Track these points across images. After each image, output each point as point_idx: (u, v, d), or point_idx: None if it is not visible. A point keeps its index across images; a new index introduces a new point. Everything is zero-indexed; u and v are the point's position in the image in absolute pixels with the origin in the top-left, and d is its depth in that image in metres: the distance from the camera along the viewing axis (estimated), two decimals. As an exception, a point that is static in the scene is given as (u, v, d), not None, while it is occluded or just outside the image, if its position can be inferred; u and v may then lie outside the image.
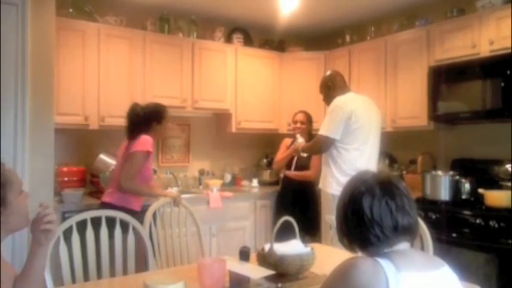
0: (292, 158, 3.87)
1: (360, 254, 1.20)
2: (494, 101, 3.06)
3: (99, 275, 2.14)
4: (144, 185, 2.89)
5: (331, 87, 3.30)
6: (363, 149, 3.13)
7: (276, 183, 4.39)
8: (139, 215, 2.61)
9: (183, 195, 3.06)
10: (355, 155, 3.09)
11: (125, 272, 2.19)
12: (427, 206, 3.16)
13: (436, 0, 3.75)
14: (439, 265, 1.17)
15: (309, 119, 3.95)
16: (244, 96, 4.32)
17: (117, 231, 2.22)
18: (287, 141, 4.03)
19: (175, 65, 3.91)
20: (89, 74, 3.47)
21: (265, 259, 1.83)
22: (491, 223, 2.81)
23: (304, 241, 1.98)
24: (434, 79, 3.43)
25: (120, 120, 3.59)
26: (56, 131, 3.03)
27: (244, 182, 4.50)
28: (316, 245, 2.29)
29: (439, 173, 3.34)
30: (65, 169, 3.44)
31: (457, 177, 3.25)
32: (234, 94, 4.26)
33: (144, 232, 2.29)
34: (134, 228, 2.26)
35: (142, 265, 2.29)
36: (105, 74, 3.54)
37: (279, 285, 1.70)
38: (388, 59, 3.87)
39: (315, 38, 4.90)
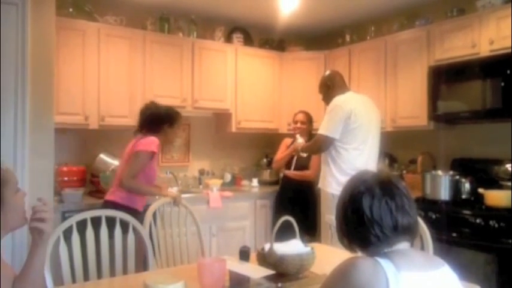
0: (292, 158, 3.87)
1: (359, 253, 1.20)
2: (494, 100, 3.06)
3: (99, 275, 2.14)
4: (146, 184, 2.89)
5: (330, 87, 3.30)
6: (362, 149, 3.12)
7: (276, 182, 4.39)
8: (141, 215, 2.62)
9: (183, 195, 3.06)
10: (354, 154, 3.09)
11: (124, 271, 2.19)
12: (427, 205, 3.16)
13: (436, 0, 3.75)
14: (439, 265, 1.17)
15: (309, 119, 3.95)
16: (244, 96, 4.32)
17: (117, 231, 2.22)
18: (287, 140, 4.03)
19: (175, 65, 3.91)
20: (89, 73, 3.47)
21: (265, 259, 1.83)
22: (491, 223, 2.81)
23: (303, 241, 1.98)
24: (434, 79, 3.43)
25: (120, 120, 3.62)
26: (56, 131, 3.03)
27: (244, 182, 4.50)
28: (316, 245, 2.29)
29: (439, 172, 3.34)
30: (65, 169, 3.44)
31: (457, 177, 3.25)
32: (234, 94, 4.27)
33: (144, 232, 2.29)
34: (134, 228, 2.26)
35: (142, 265, 2.29)
36: (105, 73, 3.54)
37: (279, 284, 1.70)
38: (388, 59, 3.87)
39: (315, 37, 4.90)
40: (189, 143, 4.38)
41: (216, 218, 3.77)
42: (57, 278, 2.00)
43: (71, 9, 3.51)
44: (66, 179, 3.42)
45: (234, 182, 4.46)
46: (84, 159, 3.65)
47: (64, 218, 2.91)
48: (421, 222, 2.05)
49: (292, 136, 3.96)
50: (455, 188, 3.23)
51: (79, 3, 3.61)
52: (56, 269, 2.01)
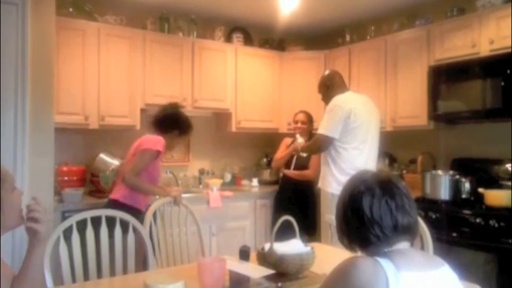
0: (292, 157, 3.88)
1: (359, 253, 1.20)
2: (494, 100, 3.06)
3: (99, 275, 2.14)
4: (148, 182, 2.90)
5: (329, 87, 3.30)
6: (362, 148, 3.13)
7: (276, 182, 4.39)
8: (143, 215, 2.62)
9: (183, 195, 3.06)
10: (354, 154, 3.09)
11: (125, 271, 2.19)
12: (427, 205, 3.16)
13: (436, 0, 3.75)
14: (439, 264, 1.17)
15: (309, 119, 3.96)
16: (244, 95, 4.32)
17: (117, 230, 2.22)
18: (287, 140, 4.03)
19: (175, 65, 3.91)
20: (89, 73, 3.47)
21: (265, 258, 1.83)
22: (491, 222, 2.81)
23: (302, 240, 1.98)
24: (434, 78, 3.43)
25: (120, 120, 3.62)
26: (56, 131, 3.03)
27: (244, 182, 4.50)
28: (316, 245, 2.29)
29: (439, 172, 3.34)
30: (65, 168, 3.44)
31: (457, 176, 3.25)
32: (234, 93, 4.27)
33: (144, 231, 2.29)
34: (134, 228, 2.26)
35: (142, 264, 2.29)
36: (105, 73, 3.54)
37: (279, 284, 1.70)
38: (388, 59, 3.87)
39: (315, 37, 4.90)
40: (189, 142, 4.37)
41: (216, 218, 3.77)
42: (57, 278, 2.00)
43: (70, 9, 3.51)
44: (66, 178, 3.42)
45: (234, 182, 4.46)
46: (84, 159, 3.65)
47: (64, 218, 2.92)
48: (421, 222, 2.05)
49: (293, 136, 3.96)
50: (455, 187, 3.23)
51: (79, 3, 3.60)
52: (56, 269, 2.00)
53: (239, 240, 3.73)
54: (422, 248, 2.13)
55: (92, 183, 3.62)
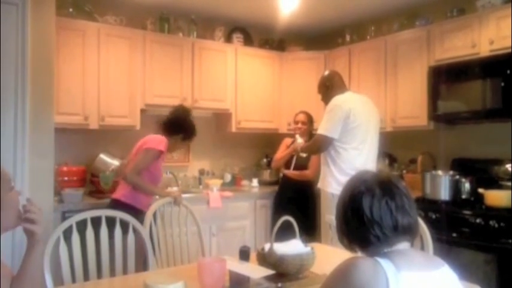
0: (292, 158, 3.88)
1: (359, 253, 1.20)
2: (494, 100, 3.06)
3: (99, 275, 2.14)
4: (150, 183, 2.92)
5: (329, 87, 3.31)
6: (362, 148, 3.13)
7: (276, 182, 4.39)
8: (144, 215, 2.62)
9: (183, 195, 3.07)
10: (353, 154, 3.09)
11: (125, 271, 2.19)
12: (427, 205, 3.16)
13: (436, 0, 3.75)
14: (439, 265, 1.17)
15: (310, 119, 3.96)
16: (244, 95, 4.32)
17: (117, 230, 2.22)
18: (287, 140, 4.03)
19: (175, 65, 3.91)
20: (89, 73, 3.47)
21: (265, 259, 1.83)
22: (491, 223, 2.81)
23: (302, 241, 1.98)
24: (434, 79, 3.43)
25: (120, 120, 3.62)
26: (56, 131, 3.03)
27: (244, 182, 4.50)
28: (316, 245, 2.29)
29: (439, 172, 3.34)
30: (64, 169, 3.44)
31: (457, 176, 3.25)
32: (234, 94, 4.27)
33: (144, 232, 2.29)
34: (134, 228, 2.26)
35: (142, 265, 2.29)
36: (105, 73, 3.54)
37: (279, 284, 1.70)
38: (388, 59, 3.87)
39: (315, 37, 4.90)
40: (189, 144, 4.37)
41: (216, 218, 3.77)
42: (57, 278, 2.00)
43: (71, 9, 3.52)
44: (66, 179, 3.42)
45: (234, 182, 4.46)
46: (84, 159, 3.64)
47: (64, 218, 2.92)
48: (421, 222, 2.04)
49: (293, 136, 3.96)
50: (455, 188, 3.23)
51: (79, 3, 3.61)
52: (56, 269, 2.00)
53: (239, 240, 3.73)
54: (422, 248, 2.13)
55: (92, 184, 3.62)
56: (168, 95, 3.83)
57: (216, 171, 4.48)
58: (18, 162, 2.80)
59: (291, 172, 3.91)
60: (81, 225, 2.14)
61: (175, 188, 3.87)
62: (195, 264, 1.82)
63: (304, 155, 3.76)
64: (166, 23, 4.02)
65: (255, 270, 1.77)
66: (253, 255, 1.92)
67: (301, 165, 3.88)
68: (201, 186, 4.26)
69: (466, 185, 3.21)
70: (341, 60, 4.29)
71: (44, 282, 1.44)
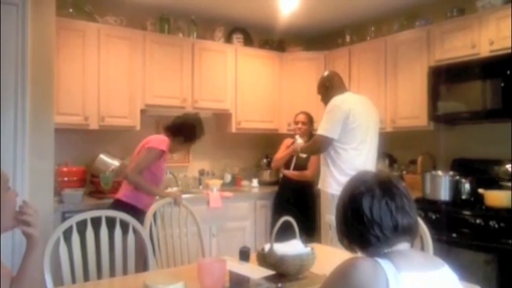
0: (292, 158, 3.88)
1: (359, 254, 1.20)
2: (494, 101, 3.06)
3: (99, 275, 2.14)
4: (151, 183, 2.94)
5: (329, 88, 3.31)
6: (361, 149, 3.13)
7: (276, 183, 4.39)
8: (145, 215, 2.63)
9: (183, 195, 3.07)
10: (353, 154, 3.09)
11: (124, 272, 2.19)
12: (427, 206, 3.16)
13: (436, 1, 3.75)
14: (439, 265, 1.17)
15: (310, 120, 3.96)
16: (244, 96, 4.32)
17: (117, 231, 2.22)
18: (288, 141, 4.03)
19: (175, 65, 3.91)
20: (89, 74, 3.47)
21: (265, 259, 1.83)
22: (491, 223, 2.81)
23: (302, 241, 1.98)
24: (434, 79, 3.43)
25: (120, 120, 3.62)
26: (56, 131, 3.03)
27: (244, 182, 4.50)
28: (316, 245, 2.29)
29: (439, 173, 3.34)
30: (64, 169, 3.44)
31: (457, 177, 3.25)
32: (234, 94, 4.27)
33: (144, 232, 2.29)
34: (134, 229, 2.26)
35: (142, 265, 2.30)
36: (105, 74, 3.54)
37: (279, 285, 1.70)
38: (388, 59, 3.87)
39: (315, 38, 4.90)
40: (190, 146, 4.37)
41: (216, 219, 3.77)
42: (57, 279, 2.00)
43: (71, 10, 3.52)
44: (66, 179, 3.41)
45: (234, 183, 4.46)
46: (84, 160, 3.64)
47: (64, 219, 2.92)
48: (421, 223, 2.04)
49: (293, 136, 3.96)
50: (455, 188, 3.23)
51: (79, 4, 3.61)
52: (56, 270, 2.00)
53: (239, 240, 3.73)
54: (422, 248, 2.12)
55: (92, 184, 3.62)
56: (168, 95, 3.83)
57: (216, 171, 4.48)
58: (18, 162, 2.80)
59: (291, 172, 3.91)
60: (81, 226, 2.13)
61: (175, 189, 3.88)
62: (195, 264, 1.82)
63: (304, 155, 3.76)
64: (167, 23, 4.02)
65: (255, 271, 1.77)
66: (253, 256, 1.92)
67: (301, 166, 3.88)
68: (201, 187, 4.26)
69: (466, 186, 3.21)
70: (341, 60, 4.29)
71: (43, 283, 1.43)
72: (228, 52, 4.25)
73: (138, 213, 2.63)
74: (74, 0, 3.58)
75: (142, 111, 3.76)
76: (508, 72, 2.94)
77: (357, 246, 1.20)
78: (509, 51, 2.98)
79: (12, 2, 2.77)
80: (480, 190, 3.09)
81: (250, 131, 4.46)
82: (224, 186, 4.17)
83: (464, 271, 1.54)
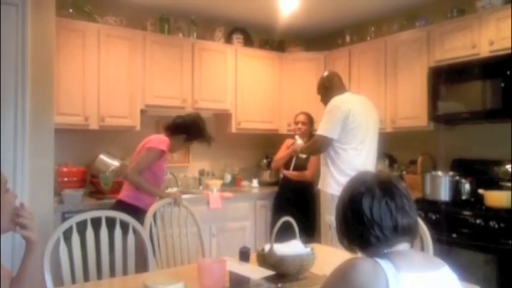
0: (291, 158, 3.89)
1: (359, 254, 1.20)
2: (494, 101, 3.06)
3: (99, 276, 2.14)
4: (152, 183, 2.94)
5: (328, 88, 3.31)
6: (361, 149, 3.13)
7: (276, 183, 4.39)
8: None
9: (183, 196, 3.08)
10: (353, 154, 3.09)
11: (124, 272, 2.19)
12: (427, 206, 3.16)
13: (436, 1, 3.75)
14: (438, 265, 1.17)
15: (310, 120, 3.96)
16: (244, 96, 4.32)
17: (117, 231, 2.22)
18: (288, 141, 4.03)
19: (175, 66, 3.91)
20: (89, 74, 3.47)
21: (265, 259, 1.82)
22: (491, 223, 2.81)
23: (302, 241, 1.98)
24: (434, 79, 3.43)
25: (120, 121, 3.62)
26: (56, 131, 3.03)
27: (244, 183, 4.50)
28: (316, 246, 2.29)
29: (439, 173, 3.34)
30: (64, 169, 3.44)
31: (457, 177, 3.25)
32: (234, 94, 4.27)
33: (145, 232, 2.29)
34: (134, 229, 2.26)
35: (142, 265, 2.29)
36: (105, 74, 3.54)
37: (279, 285, 1.70)
38: (388, 60, 3.87)
39: (315, 38, 4.90)
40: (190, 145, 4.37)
41: (216, 219, 3.77)
42: (57, 279, 1.99)
43: (71, 10, 3.52)
44: (66, 179, 3.41)
45: (234, 183, 4.46)
46: (84, 160, 3.64)
47: (64, 219, 2.92)
48: (421, 223, 2.04)
49: (293, 137, 3.96)
50: (455, 188, 3.23)
51: (79, 4, 3.61)
52: (56, 270, 2.00)
53: (239, 241, 3.73)
54: (422, 249, 2.12)
55: (92, 184, 3.62)
56: (168, 95, 3.84)
57: (216, 171, 4.48)
58: (18, 162, 2.80)
59: (290, 173, 3.91)
60: (81, 226, 2.13)
61: (175, 189, 3.88)
62: (195, 265, 1.82)
63: (303, 155, 3.76)
64: (167, 23, 4.02)
65: (255, 271, 1.77)
66: (253, 256, 1.92)
67: (301, 166, 3.88)
68: (201, 187, 4.26)
69: (466, 186, 3.21)
70: (341, 61, 4.29)
71: (43, 283, 1.43)
72: (228, 52, 4.25)
73: (140, 213, 2.63)
74: (74, 1, 3.58)
75: (143, 112, 3.76)
76: (508, 72, 2.94)
77: (356, 247, 1.20)
78: (509, 51, 2.98)
79: (12, 2, 2.77)
80: (480, 190, 3.09)
81: (250, 131, 4.46)
82: (224, 187, 4.17)
83: (464, 271, 1.54)
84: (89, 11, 3.65)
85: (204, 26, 4.30)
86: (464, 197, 3.20)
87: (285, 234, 1.93)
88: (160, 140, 2.95)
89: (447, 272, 1.17)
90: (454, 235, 2.98)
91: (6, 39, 2.75)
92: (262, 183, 4.50)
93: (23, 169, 2.82)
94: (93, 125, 3.50)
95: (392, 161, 4.04)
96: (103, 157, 3.63)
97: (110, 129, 3.64)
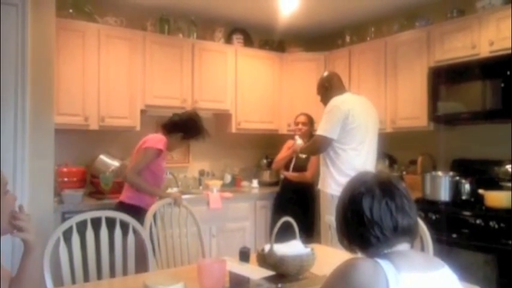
0: (291, 159, 3.89)
1: (359, 254, 1.20)
2: (494, 101, 3.07)
3: (99, 276, 2.14)
4: (152, 183, 2.95)
5: (328, 88, 3.31)
6: (361, 149, 3.13)
7: (276, 183, 4.39)
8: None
9: (183, 196, 3.07)
10: (352, 154, 3.09)
11: (124, 272, 2.19)
12: (427, 206, 3.16)
13: (436, 1, 3.75)
14: (439, 266, 1.17)
15: (310, 121, 3.96)
16: (244, 96, 4.32)
17: (117, 231, 2.22)
18: (290, 142, 4.03)
19: (175, 66, 3.91)
20: (89, 74, 3.47)
21: (265, 260, 1.82)
22: (491, 224, 2.81)
23: (301, 241, 1.98)
24: (434, 80, 3.43)
25: (120, 121, 3.62)
26: (56, 131, 3.03)
27: (244, 183, 4.50)
28: (316, 246, 2.29)
29: (439, 173, 3.35)
30: (64, 169, 3.44)
31: (457, 177, 3.25)
32: (234, 95, 4.27)
33: (145, 233, 2.29)
34: (134, 229, 2.26)
35: (142, 265, 2.29)
36: (105, 74, 3.54)
37: (279, 285, 1.70)
38: (388, 60, 3.87)
39: (315, 38, 4.90)
40: (189, 144, 4.36)
41: (216, 219, 3.77)
42: (57, 279, 1.99)
43: (71, 10, 3.52)
44: (66, 179, 3.41)
45: (234, 183, 4.46)
46: (84, 160, 3.64)
47: (64, 219, 2.92)
48: (421, 223, 2.04)
49: (294, 137, 3.96)
50: (455, 188, 3.23)
51: (79, 4, 3.61)
52: (56, 270, 2.00)
53: (239, 241, 3.73)
54: (422, 249, 2.12)
55: (92, 185, 3.62)
56: (168, 95, 3.84)
57: (216, 172, 4.48)
58: (18, 163, 2.80)
59: (290, 174, 3.92)
60: (81, 226, 2.13)
61: (175, 189, 3.88)
62: (195, 265, 1.82)
63: (303, 156, 3.76)
64: (167, 24, 4.02)
65: (255, 271, 1.77)
66: (253, 256, 1.92)
67: (300, 167, 3.88)
68: (201, 187, 4.26)
69: (466, 186, 3.21)
70: (341, 61, 4.29)
71: (43, 283, 1.43)
72: (228, 53, 4.25)
73: (142, 213, 2.62)
74: (74, 1, 3.58)
75: (143, 112, 3.76)
76: (508, 72, 2.94)
77: (357, 247, 1.20)
78: (509, 51, 2.98)
79: (12, 3, 2.77)
80: (480, 190, 3.09)
81: (250, 131, 4.46)
82: (224, 187, 4.17)
83: (464, 272, 1.54)
84: (89, 11, 3.65)
85: (204, 26, 4.30)
86: (464, 197, 3.20)
87: (285, 234, 1.93)
88: (157, 139, 2.95)
89: (447, 272, 1.17)
90: (454, 235, 2.98)
91: (6, 39, 2.75)
92: (262, 184, 4.50)
93: (23, 169, 2.82)
94: (93, 125, 3.50)
95: (392, 161, 4.04)
96: (103, 157, 3.63)
97: (110, 130, 3.64)
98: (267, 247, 1.87)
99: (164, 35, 3.97)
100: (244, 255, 1.90)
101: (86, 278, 2.09)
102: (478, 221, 2.88)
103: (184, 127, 3.06)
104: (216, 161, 4.54)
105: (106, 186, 3.42)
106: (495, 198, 2.98)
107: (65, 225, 2.09)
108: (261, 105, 4.44)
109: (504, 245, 2.73)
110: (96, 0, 3.72)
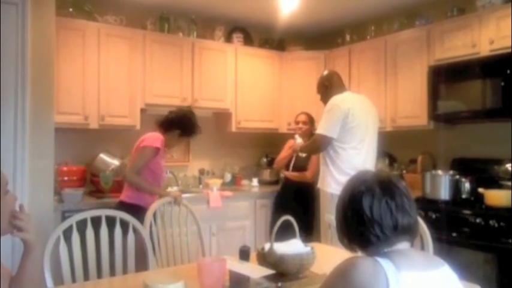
0: (291, 159, 3.89)
1: (359, 253, 1.20)
2: (494, 100, 3.06)
3: (99, 275, 2.14)
4: (152, 181, 2.95)
5: (328, 87, 3.31)
6: (360, 148, 3.13)
7: (276, 182, 4.40)
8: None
9: (183, 195, 3.07)
10: (352, 153, 3.09)
11: (125, 271, 2.19)
12: (427, 205, 3.16)
13: (436, 0, 3.75)
14: (438, 265, 1.17)
15: (310, 120, 3.96)
16: (244, 95, 4.32)
17: (117, 230, 2.22)
18: (290, 142, 4.02)
19: (175, 65, 3.91)
20: (89, 73, 3.47)
21: (265, 258, 1.83)
22: (491, 222, 2.81)
23: (301, 240, 1.98)
24: (434, 78, 3.43)
25: (120, 120, 3.62)
26: (56, 130, 3.03)
27: (244, 182, 4.50)
28: (316, 245, 2.29)
29: (439, 172, 3.35)
30: (64, 168, 3.44)
31: (457, 176, 3.25)
32: (234, 93, 4.27)
33: (145, 231, 2.29)
34: (134, 228, 2.26)
35: (142, 264, 2.29)
36: (105, 73, 3.54)
37: (279, 284, 1.70)
38: (388, 59, 3.87)
39: (315, 37, 4.90)
40: (189, 142, 4.35)
41: (216, 218, 3.77)
42: (57, 278, 2.00)
43: (70, 9, 3.52)
44: (66, 178, 3.41)
45: (234, 182, 4.46)
46: (84, 159, 3.64)
47: (64, 218, 2.92)
48: (421, 222, 2.05)
49: (294, 136, 3.96)
50: (455, 187, 3.23)
51: (79, 3, 3.60)
52: (56, 269, 2.00)
53: (239, 240, 3.73)
54: (422, 248, 2.13)
55: (92, 183, 3.62)
56: (168, 94, 3.84)
57: (216, 170, 4.48)
58: (18, 162, 2.80)
59: (290, 173, 3.92)
60: (81, 225, 2.14)
61: (175, 188, 3.88)
62: (195, 264, 1.82)
63: (303, 155, 3.76)
64: (167, 22, 4.02)
65: (255, 270, 1.77)
66: (253, 255, 1.92)
67: (300, 166, 3.88)
68: (201, 186, 4.26)
69: (466, 185, 3.21)
70: (341, 60, 4.29)
71: (43, 282, 1.43)
72: (228, 51, 4.25)
73: (142, 212, 2.62)
74: (74, 0, 3.58)
75: (142, 111, 3.76)
76: (508, 71, 2.94)
77: (356, 246, 1.20)
78: (509, 50, 2.97)
79: (12, 2, 2.77)
80: (480, 189, 3.09)
81: (250, 130, 4.46)
82: (224, 186, 4.17)
83: (464, 270, 1.54)
84: (89, 10, 3.65)
85: (204, 25, 4.30)
86: (464, 196, 3.20)
87: (285, 233, 1.93)
88: (154, 138, 2.95)
89: (447, 271, 1.17)
90: (454, 234, 2.98)
91: (6, 38, 2.75)
92: (262, 182, 4.50)
93: (23, 169, 2.82)
94: (93, 124, 3.50)
95: (392, 160, 4.03)
96: (103, 156, 3.63)
97: (110, 128, 3.64)
98: (267, 246, 1.87)
99: (164, 33, 3.96)
100: (244, 254, 1.90)
101: (86, 277, 2.10)
102: (478, 220, 2.88)
103: (181, 124, 3.06)
104: (216, 160, 4.54)
105: (106, 185, 3.42)
106: (495, 197, 2.98)
107: (65, 224, 2.09)
108: (261, 104, 4.44)
109: (504, 243, 2.74)
110: (96, -1, 3.73)
